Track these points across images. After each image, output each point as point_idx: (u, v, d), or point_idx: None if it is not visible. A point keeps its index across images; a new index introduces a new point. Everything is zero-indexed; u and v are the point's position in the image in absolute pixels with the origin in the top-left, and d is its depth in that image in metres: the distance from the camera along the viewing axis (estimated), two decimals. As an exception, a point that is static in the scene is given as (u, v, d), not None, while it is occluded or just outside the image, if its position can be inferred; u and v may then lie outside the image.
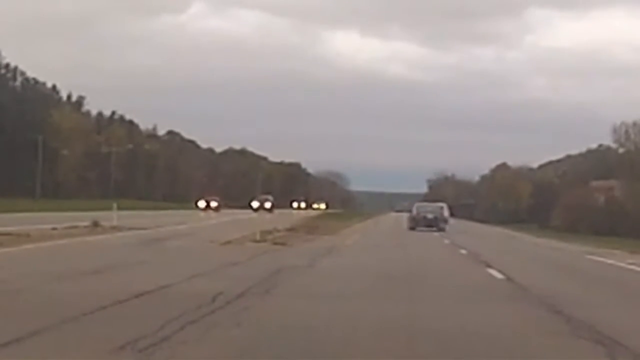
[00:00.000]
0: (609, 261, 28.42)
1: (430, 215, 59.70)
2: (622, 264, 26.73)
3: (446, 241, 41.17)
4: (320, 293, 14.20)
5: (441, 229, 56.30)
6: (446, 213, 62.14)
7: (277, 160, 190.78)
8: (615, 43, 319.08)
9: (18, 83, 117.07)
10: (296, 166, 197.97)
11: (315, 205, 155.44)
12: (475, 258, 26.83)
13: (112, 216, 37.50)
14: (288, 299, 13.10)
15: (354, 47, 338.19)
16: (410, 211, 63.29)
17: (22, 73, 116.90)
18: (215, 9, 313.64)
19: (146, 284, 13.77)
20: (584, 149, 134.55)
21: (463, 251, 31.06)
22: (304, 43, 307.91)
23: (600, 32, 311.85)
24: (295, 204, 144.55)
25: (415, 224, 58.50)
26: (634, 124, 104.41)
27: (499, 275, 19.16)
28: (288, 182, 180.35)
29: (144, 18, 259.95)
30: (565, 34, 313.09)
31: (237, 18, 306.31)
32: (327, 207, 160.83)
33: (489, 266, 22.18)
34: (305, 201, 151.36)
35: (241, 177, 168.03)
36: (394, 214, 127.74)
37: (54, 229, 31.37)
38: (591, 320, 11.62)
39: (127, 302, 11.82)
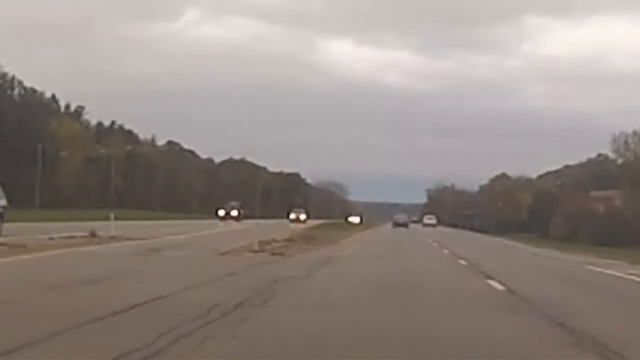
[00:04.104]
0: (610, 272, 28.22)
1: (401, 221, 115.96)
2: (623, 275, 26.53)
3: (445, 251, 40.98)
4: (318, 303, 14.01)
5: (407, 227, 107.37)
6: (434, 221, 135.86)
7: (277, 170, 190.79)
8: (614, 51, 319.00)
9: (16, 92, 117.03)
10: (295, 176, 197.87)
11: (292, 216, 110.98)
12: (475, 268, 26.62)
13: (110, 226, 37.27)
14: (286, 309, 12.91)
15: (349, 55, 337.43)
16: (405, 222, 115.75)
17: (20, 82, 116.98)
18: (208, 16, 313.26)
19: (142, 295, 13.57)
20: (582, 159, 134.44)
21: (462, 262, 30.84)
22: (299, 51, 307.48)
23: (598, 40, 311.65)
24: (221, 212, 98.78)
25: (394, 225, 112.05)
26: (634, 133, 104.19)
27: (499, 287, 18.93)
28: (287, 193, 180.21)
29: (139, 25, 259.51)
30: (563, 41, 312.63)
31: (231, 25, 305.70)
32: (308, 216, 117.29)
33: (489, 277, 21.95)
34: (241, 207, 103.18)
35: (240, 187, 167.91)
36: (390, 226, 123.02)
37: (51, 238, 31.14)
38: (594, 331, 11.44)
39: (121, 313, 11.62)
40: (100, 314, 11.29)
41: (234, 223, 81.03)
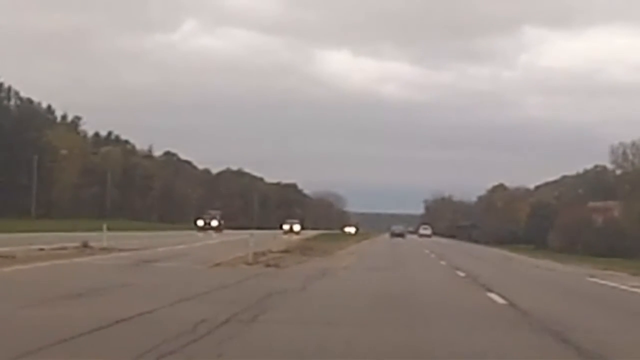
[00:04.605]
0: (612, 284, 27.61)
1: (397, 231, 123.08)
2: (626, 287, 25.92)
3: (443, 262, 40.38)
4: (312, 319, 13.39)
5: (404, 237, 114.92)
6: (429, 231, 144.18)
7: (274, 181, 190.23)
8: (613, 62, 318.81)
9: (12, 103, 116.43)
10: (292, 187, 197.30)
11: (286, 226, 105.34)
12: (474, 281, 26.00)
13: (103, 237, 36.65)
14: (277, 325, 12.27)
15: (347, 66, 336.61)
16: (402, 233, 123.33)
17: (16, 93, 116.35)
18: (206, 27, 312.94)
19: (127, 310, 12.98)
20: (580, 170, 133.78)
21: (461, 274, 30.19)
22: (296, 62, 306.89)
23: (597, 52, 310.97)
24: (200, 222, 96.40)
25: (392, 235, 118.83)
26: (632, 144, 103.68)
27: (500, 300, 18.30)
28: (284, 203, 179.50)
29: (136, 36, 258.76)
30: (561, 53, 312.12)
31: (229, 36, 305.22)
32: (303, 227, 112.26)
33: (489, 290, 21.32)
34: (222, 217, 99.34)
35: (238, 199, 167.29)
36: (387, 237, 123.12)
37: (41, 249, 30.61)
38: (601, 349, 10.91)
39: (103, 329, 11.01)
40: (79, 330, 10.71)
41: (214, 234, 77.08)
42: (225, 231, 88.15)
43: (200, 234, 75.37)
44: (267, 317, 13.03)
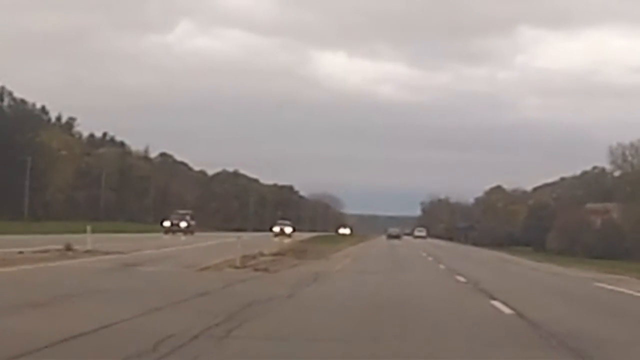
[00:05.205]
0: (623, 290, 26.11)
1: (394, 233, 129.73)
2: (637, 294, 24.44)
3: (441, 266, 38.92)
4: (297, 333, 11.80)
5: (400, 239, 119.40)
6: (424, 233, 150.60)
7: (270, 182, 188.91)
8: (609, 64, 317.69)
9: (5, 103, 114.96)
10: (288, 189, 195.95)
11: (276, 229, 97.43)
12: (476, 287, 24.44)
13: (87, 239, 35.10)
14: (253, 342, 10.69)
15: (343, 68, 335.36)
16: (398, 235, 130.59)
17: (10, 93, 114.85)
18: (202, 28, 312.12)
19: (89, 321, 11.51)
20: (578, 171, 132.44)
21: (461, 278, 28.64)
22: (293, 64, 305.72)
23: (594, 53, 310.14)
24: (166, 223, 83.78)
25: (388, 237, 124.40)
26: (631, 145, 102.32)
27: (506, 309, 16.66)
28: (281, 205, 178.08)
29: (132, 37, 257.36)
30: (558, 54, 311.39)
31: (225, 37, 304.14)
32: (294, 229, 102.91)
33: (493, 297, 19.73)
34: (192, 218, 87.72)
35: (234, 200, 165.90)
36: (385, 238, 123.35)
37: (20, 252, 29.10)
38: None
39: (51, 347, 9.52)
40: (26, 347, 9.25)
41: (183, 237, 68.49)
42: (218, 233, 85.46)
43: (167, 237, 67.84)
44: (243, 332, 11.42)
